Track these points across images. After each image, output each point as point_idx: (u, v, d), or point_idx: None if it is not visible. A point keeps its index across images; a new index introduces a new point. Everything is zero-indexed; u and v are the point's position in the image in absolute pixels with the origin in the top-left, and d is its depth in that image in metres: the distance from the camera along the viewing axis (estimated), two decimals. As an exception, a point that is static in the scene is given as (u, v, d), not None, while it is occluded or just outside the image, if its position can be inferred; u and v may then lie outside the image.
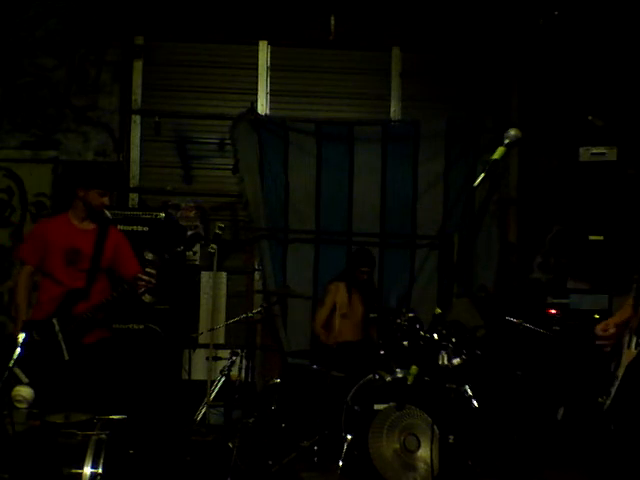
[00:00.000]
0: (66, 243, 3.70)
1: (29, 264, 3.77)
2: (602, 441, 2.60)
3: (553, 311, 4.84)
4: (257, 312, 5.01)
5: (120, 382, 4.45)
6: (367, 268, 5.21)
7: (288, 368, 5.06)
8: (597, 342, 2.56)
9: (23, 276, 3.76)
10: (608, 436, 2.47)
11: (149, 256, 3.78)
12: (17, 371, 3.06)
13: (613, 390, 2.43)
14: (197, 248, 5.78)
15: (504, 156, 2.37)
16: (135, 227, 5.04)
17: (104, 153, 5.82)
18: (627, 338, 2.45)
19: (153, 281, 3.56)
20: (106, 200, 3.75)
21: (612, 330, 2.52)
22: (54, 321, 3.57)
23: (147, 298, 5.03)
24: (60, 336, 3.51)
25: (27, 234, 3.85)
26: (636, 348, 2.34)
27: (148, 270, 3.56)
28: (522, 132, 2.39)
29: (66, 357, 3.45)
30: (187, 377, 5.42)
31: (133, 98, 5.93)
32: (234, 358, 4.79)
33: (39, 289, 3.79)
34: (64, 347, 3.47)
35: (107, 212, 3.80)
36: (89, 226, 3.80)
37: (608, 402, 2.44)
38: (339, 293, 5.22)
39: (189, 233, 3.84)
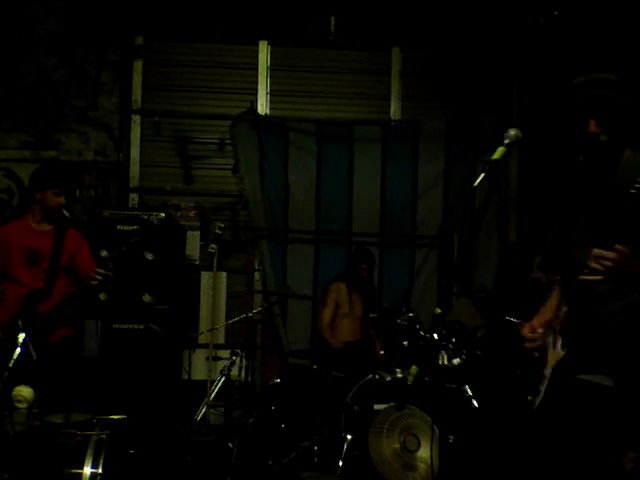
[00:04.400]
0: (26, 244, 3.77)
1: None
2: (530, 437, 2.67)
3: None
4: (257, 312, 5.01)
5: (120, 382, 4.47)
6: (366, 265, 5.22)
7: (288, 368, 5.06)
8: (526, 345, 2.60)
9: None
10: (536, 433, 2.54)
11: (103, 253, 3.83)
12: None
13: (542, 388, 2.50)
14: (196, 247, 5.79)
15: (504, 156, 2.37)
16: (135, 227, 5.03)
17: (104, 153, 5.82)
18: (551, 338, 2.51)
19: (110, 274, 3.60)
20: (62, 199, 3.79)
21: (540, 331, 2.58)
22: (19, 322, 3.61)
23: (147, 298, 5.03)
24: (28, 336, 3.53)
25: None
26: (562, 349, 2.40)
27: (103, 264, 3.61)
28: (522, 132, 2.39)
29: (34, 357, 3.46)
30: (187, 377, 5.42)
31: (133, 98, 5.94)
32: (234, 358, 4.79)
33: (3, 292, 3.82)
34: (31, 347, 3.48)
35: (65, 212, 3.84)
36: (47, 227, 3.85)
37: (538, 400, 2.51)
38: (340, 293, 5.23)
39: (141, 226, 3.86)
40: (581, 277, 2.16)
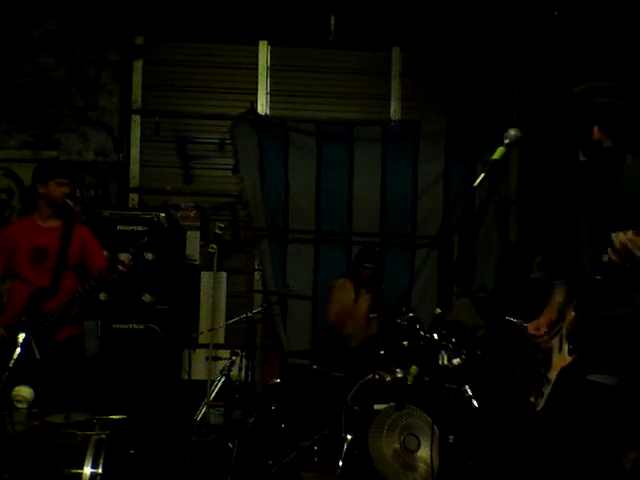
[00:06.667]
0: (31, 243, 3.72)
1: None
2: (531, 438, 2.66)
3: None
4: (257, 312, 5.01)
5: (120, 382, 4.46)
6: (370, 264, 5.16)
7: (288, 368, 5.05)
8: (534, 341, 2.62)
9: None
10: (538, 434, 2.53)
11: (105, 253, 3.79)
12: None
13: (545, 392, 2.49)
14: (196, 247, 5.79)
15: (504, 156, 2.38)
16: (135, 227, 5.04)
17: (104, 153, 5.82)
18: (557, 342, 2.50)
19: (124, 266, 3.54)
20: (66, 189, 3.74)
21: (544, 329, 2.59)
22: (24, 321, 3.57)
23: (147, 298, 5.03)
24: (30, 335, 3.50)
25: None
26: (569, 354, 2.39)
27: (121, 255, 3.54)
28: (522, 132, 2.39)
29: (37, 356, 3.45)
30: (187, 377, 5.42)
31: (133, 98, 5.93)
32: (234, 358, 4.79)
33: (9, 292, 3.81)
34: (34, 346, 3.46)
35: (70, 201, 3.76)
36: (54, 224, 3.80)
37: (541, 403, 2.51)
38: (345, 290, 5.17)
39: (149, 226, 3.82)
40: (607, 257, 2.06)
